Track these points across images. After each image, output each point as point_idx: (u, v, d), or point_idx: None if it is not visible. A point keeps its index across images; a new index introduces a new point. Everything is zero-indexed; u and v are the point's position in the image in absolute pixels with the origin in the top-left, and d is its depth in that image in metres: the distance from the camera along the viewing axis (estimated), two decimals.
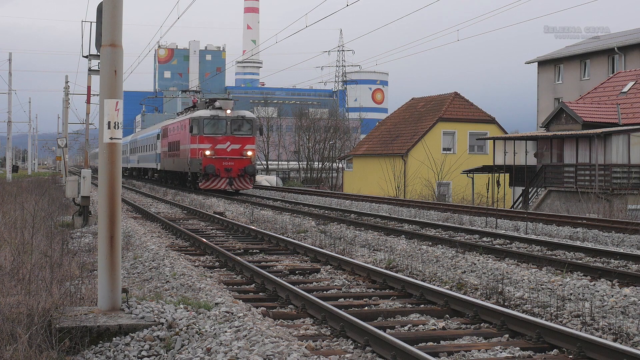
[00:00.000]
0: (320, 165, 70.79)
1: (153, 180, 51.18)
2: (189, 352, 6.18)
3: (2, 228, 13.62)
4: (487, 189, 29.36)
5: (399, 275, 10.16)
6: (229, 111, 33.86)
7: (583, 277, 10.57)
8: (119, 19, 7.21)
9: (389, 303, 8.93)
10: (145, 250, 13.01)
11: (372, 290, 9.84)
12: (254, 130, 34.75)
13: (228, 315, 7.14)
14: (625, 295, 8.86)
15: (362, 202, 28.72)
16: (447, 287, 10.03)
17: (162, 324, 6.69)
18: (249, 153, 33.81)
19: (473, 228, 17.03)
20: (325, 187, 61.17)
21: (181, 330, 6.64)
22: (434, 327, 7.73)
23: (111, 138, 7.12)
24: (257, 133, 35.63)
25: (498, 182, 31.56)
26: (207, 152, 33.11)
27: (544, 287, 9.64)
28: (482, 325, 7.79)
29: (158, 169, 46.69)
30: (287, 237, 15.50)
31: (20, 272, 8.77)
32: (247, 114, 35.06)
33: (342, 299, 9.20)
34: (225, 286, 9.84)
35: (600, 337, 7.26)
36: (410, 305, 8.80)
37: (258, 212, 22.36)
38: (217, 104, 34.67)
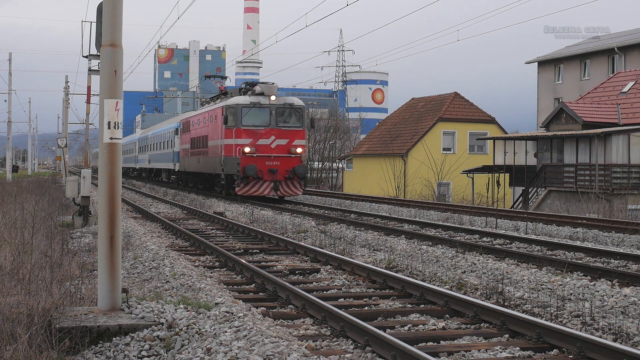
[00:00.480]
0: (320, 165, 70.80)
1: (169, 184, 43.41)
2: (189, 352, 6.18)
3: (2, 228, 13.63)
4: (487, 189, 29.36)
5: (399, 275, 10.16)
6: (273, 97, 27.26)
7: (583, 277, 10.57)
8: (119, 19, 7.21)
9: (389, 303, 8.93)
10: (145, 250, 13.01)
11: (372, 290, 9.84)
12: (304, 121, 28.06)
13: (228, 315, 7.14)
14: (625, 295, 8.86)
15: (362, 202, 28.73)
16: (447, 287, 10.03)
17: (162, 324, 6.69)
18: (299, 150, 27.25)
19: (473, 228, 17.03)
20: (325, 187, 61.18)
21: (181, 330, 6.64)
22: (434, 327, 7.73)
23: (111, 138, 7.12)
24: (307, 125, 28.90)
25: (498, 182, 31.55)
26: (247, 149, 26.63)
27: (544, 287, 9.64)
28: (482, 325, 7.79)
29: (176, 169, 39.54)
30: (287, 237, 15.51)
31: (20, 272, 8.77)
32: (296, 101, 28.38)
33: (342, 299, 9.20)
34: (225, 286, 9.84)
35: (600, 337, 7.26)
36: (410, 305, 8.80)
37: (258, 212, 22.36)
38: (257, 88, 27.89)
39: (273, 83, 28.12)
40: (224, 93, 31.93)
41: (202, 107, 36.40)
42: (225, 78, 37.17)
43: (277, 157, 26.98)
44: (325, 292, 9.73)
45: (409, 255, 12.66)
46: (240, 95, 28.68)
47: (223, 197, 29.06)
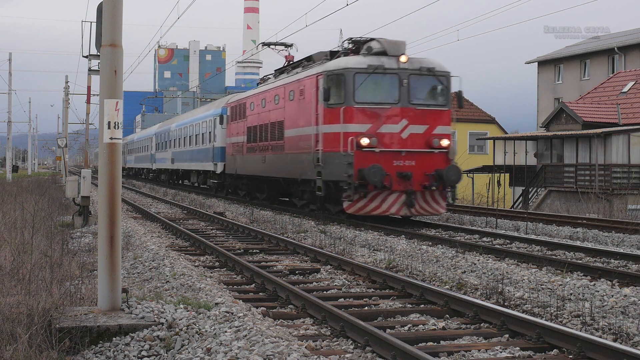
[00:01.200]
0: None
1: (204, 190, 34.48)
2: (189, 352, 6.18)
3: (2, 228, 13.63)
4: (487, 189, 29.35)
5: (399, 275, 10.16)
6: (403, 59, 17.64)
7: (583, 277, 10.57)
8: (119, 19, 7.21)
9: (389, 303, 8.93)
10: (145, 250, 13.01)
11: (372, 290, 9.84)
12: (449, 96, 18.48)
13: (228, 315, 7.14)
14: (625, 295, 8.85)
15: None
16: (447, 287, 10.03)
17: (162, 324, 6.69)
18: (445, 142, 17.85)
19: (473, 228, 17.03)
20: None
21: (181, 330, 6.63)
22: (434, 327, 7.73)
23: (111, 138, 7.11)
24: (452, 103, 18.80)
25: (498, 182, 31.57)
26: (364, 140, 17.14)
27: (544, 287, 9.64)
28: (482, 325, 7.79)
29: (217, 171, 29.99)
30: (287, 237, 15.51)
31: (20, 272, 8.77)
32: (437, 63, 18.28)
33: (342, 299, 9.20)
34: (225, 286, 9.84)
35: (600, 337, 7.26)
36: (410, 305, 8.80)
37: (258, 212, 22.36)
38: (374, 45, 18.21)
39: (400, 40, 18.46)
40: (307, 58, 21.77)
41: (264, 83, 26.01)
42: (290, 46, 26.57)
43: (411, 153, 17.51)
44: (325, 292, 9.73)
45: (409, 255, 12.66)
46: (341, 56, 18.94)
47: (307, 214, 20.80)
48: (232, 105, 28.34)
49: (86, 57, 24.91)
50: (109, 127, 7.11)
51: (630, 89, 37.80)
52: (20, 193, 25.82)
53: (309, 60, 21.44)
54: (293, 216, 21.06)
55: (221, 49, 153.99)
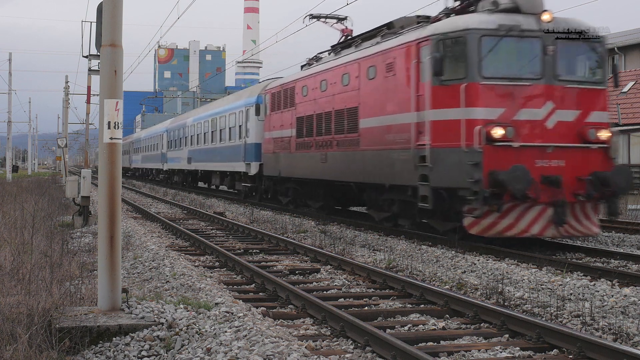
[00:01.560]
0: None
1: (231, 195, 30.06)
2: (189, 352, 6.18)
3: (2, 228, 13.63)
4: None
5: (399, 275, 10.17)
6: (547, 17, 12.97)
7: (583, 277, 10.57)
8: (119, 19, 7.21)
9: (389, 303, 8.93)
10: (145, 250, 13.02)
11: (372, 290, 9.85)
12: (606, 70, 13.84)
13: (228, 315, 7.14)
14: (625, 295, 8.85)
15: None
16: (447, 287, 10.03)
17: (162, 324, 6.69)
18: (604, 134, 13.21)
19: None
20: None
21: (181, 330, 6.63)
22: (434, 327, 7.73)
23: (111, 138, 7.11)
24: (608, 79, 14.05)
25: None
26: (498, 131, 12.36)
27: (544, 287, 9.64)
28: (482, 325, 7.79)
29: (251, 173, 25.27)
30: (287, 237, 15.51)
31: (20, 272, 8.77)
32: (591, 26, 13.49)
33: (342, 299, 9.20)
34: (225, 286, 9.84)
35: (600, 337, 7.26)
36: (410, 305, 8.80)
37: (258, 212, 22.36)
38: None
39: None
40: (387, 25, 17.10)
41: (318, 62, 20.95)
42: (345, 19, 21.79)
43: (560, 149, 12.79)
44: (325, 292, 9.74)
45: (409, 255, 12.66)
46: (442, 18, 14.32)
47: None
48: (272, 91, 22.94)
49: (86, 57, 24.90)
50: (109, 127, 7.11)
51: (630, 89, 37.82)
52: (20, 193, 25.82)
53: (390, 27, 16.79)
54: (293, 216, 21.05)
55: (221, 49, 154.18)
